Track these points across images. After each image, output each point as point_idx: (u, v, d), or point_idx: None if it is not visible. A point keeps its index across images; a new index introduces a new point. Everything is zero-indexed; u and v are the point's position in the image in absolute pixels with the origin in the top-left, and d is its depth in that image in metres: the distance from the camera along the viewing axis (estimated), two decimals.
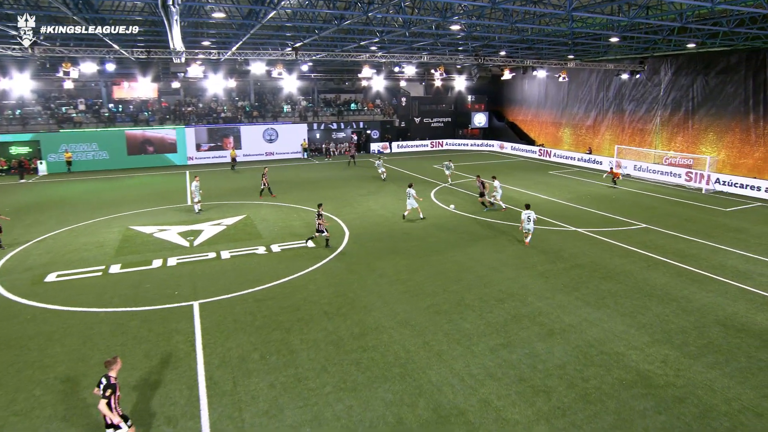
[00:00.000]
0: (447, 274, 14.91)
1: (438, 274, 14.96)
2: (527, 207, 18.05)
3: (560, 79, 35.62)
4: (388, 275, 14.86)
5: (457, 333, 11.27)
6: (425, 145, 50.62)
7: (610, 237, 19.00)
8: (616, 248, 17.60)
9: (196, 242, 18.16)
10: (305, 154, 44.61)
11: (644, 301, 13.05)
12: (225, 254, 16.79)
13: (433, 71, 35.94)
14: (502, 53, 35.82)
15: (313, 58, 30.60)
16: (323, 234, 17.36)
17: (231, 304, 12.81)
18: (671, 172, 31.72)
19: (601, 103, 41.19)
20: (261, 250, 17.25)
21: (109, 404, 7.17)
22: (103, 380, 7.34)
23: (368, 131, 48.94)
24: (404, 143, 49.69)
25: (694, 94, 33.34)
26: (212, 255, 16.72)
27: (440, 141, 51.39)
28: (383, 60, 31.91)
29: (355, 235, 19.14)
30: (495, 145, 49.69)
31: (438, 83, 52.46)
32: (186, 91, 45.35)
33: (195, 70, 25.41)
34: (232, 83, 40.20)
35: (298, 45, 27.54)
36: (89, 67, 26.80)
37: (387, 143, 48.39)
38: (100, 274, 15.01)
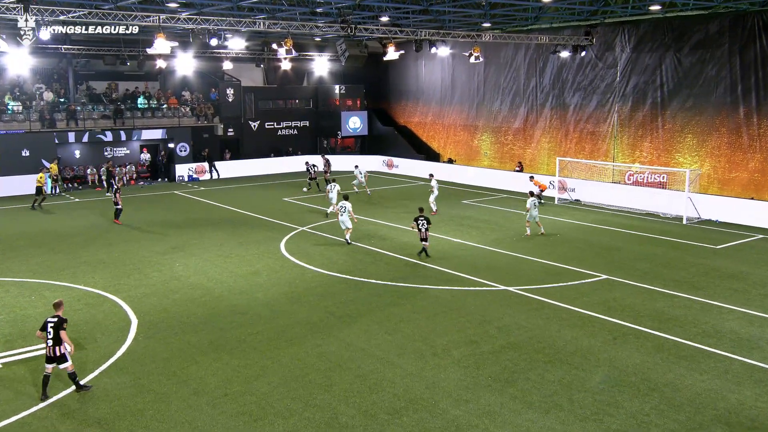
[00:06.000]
0: (309, 377, 14.79)
1: (295, 378, 14.80)
2: (531, 194, 28.82)
3: (472, 59, 37.84)
4: (210, 389, 14.37)
5: None
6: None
7: (557, 297, 20.15)
8: (565, 314, 18.69)
9: None
10: (54, 187, 42.25)
11: (612, 395, 13.86)
12: None
13: (276, 47, 36.38)
14: (384, 19, 37.49)
15: (61, 18, 29.25)
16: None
17: None
18: (638, 195, 35.00)
19: (534, 95, 44.67)
20: None
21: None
22: (54, 319, 13.50)
23: (171, 144, 47.97)
24: (235, 163, 49.50)
25: (664, 80, 37.37)
26: None
27: (294, 158, 52.00)
28: (191, 26, 31.61)
29: (151, 323, 18.39)
30: (381, 163, 51.44)
31: (286, 66, 53.49)
32: None
33: None
34: None
35: None
36: None
37: (205, 164, 47.80)
38: None
